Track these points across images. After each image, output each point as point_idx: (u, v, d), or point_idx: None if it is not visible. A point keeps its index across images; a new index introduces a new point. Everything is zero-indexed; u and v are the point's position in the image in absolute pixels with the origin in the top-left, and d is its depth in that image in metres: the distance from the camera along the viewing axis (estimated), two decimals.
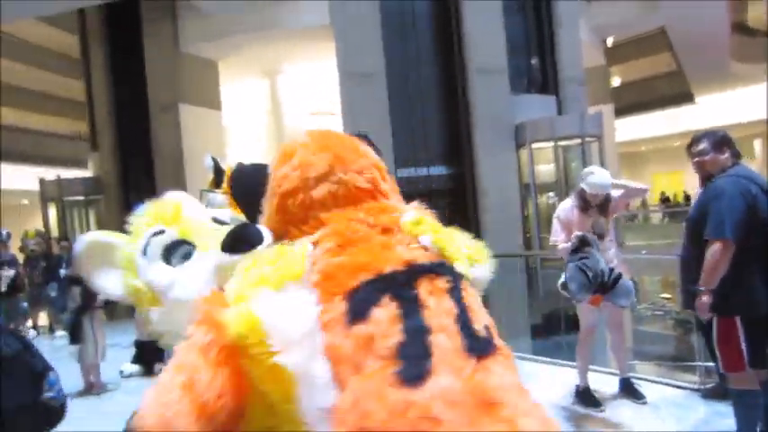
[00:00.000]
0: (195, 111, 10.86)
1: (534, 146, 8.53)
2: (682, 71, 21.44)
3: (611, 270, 3.31)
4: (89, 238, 1.44)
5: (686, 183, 23.20)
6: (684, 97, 23.18)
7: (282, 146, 1.30)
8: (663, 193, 23.94)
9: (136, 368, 5.58)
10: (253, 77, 13.81)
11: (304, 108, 13.95)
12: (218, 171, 3.10)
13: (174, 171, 10.32)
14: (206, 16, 10.36)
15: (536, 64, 9.07)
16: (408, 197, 1.36)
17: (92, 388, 5.16)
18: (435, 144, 8.51)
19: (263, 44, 11.05)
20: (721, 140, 2.87)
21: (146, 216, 1.39)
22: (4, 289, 7.64)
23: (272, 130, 14.32)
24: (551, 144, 8.53)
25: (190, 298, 1.13)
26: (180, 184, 10.12)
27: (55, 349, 5.36)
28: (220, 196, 3.35)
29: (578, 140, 8.39)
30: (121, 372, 5.57)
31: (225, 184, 2.69)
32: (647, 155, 28.21)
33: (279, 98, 14.17)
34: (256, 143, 14.35)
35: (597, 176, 3.60)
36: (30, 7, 9.59)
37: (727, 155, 2.84)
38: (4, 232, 8.31)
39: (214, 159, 3.65)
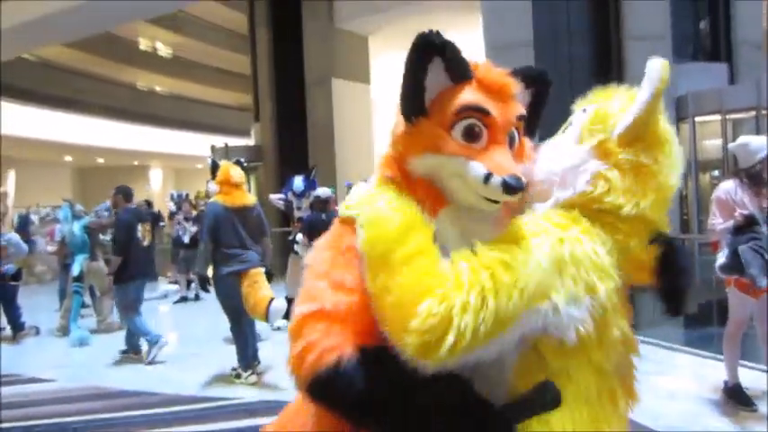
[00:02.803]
0: (346, 85, 11.43)
1: (698, 119, 7.79)
2: None
3: None
4: None
5: None
6: None
7: None
8: None
9: (284, 323, 5.93)
10: (400, 51, 14.02)
11: None
12: (215, 166, 4.45)
13: (325, 142, 11.02)
14: None
15: (705, 28, 8.19)
16: None
17: None
18: None
19: (410, 17, 11.21)
20: None
21: None
22: (186, 241, 8.80)
23: None
24: (718, 117, 7.73)
25: None
26: (330, 154, 10.82)
27: None
28: (214, 185, 4.50)
29: (752, 113, 7.51)
30: (271, 324, 5.81)
31: (218, 177, 4.47)
32: None
33: None
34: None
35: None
36: None
37: None
38: (184, 193, 9.63)
39: (212, 159, 5.06)
